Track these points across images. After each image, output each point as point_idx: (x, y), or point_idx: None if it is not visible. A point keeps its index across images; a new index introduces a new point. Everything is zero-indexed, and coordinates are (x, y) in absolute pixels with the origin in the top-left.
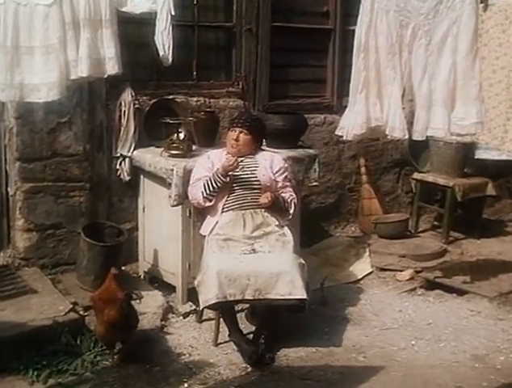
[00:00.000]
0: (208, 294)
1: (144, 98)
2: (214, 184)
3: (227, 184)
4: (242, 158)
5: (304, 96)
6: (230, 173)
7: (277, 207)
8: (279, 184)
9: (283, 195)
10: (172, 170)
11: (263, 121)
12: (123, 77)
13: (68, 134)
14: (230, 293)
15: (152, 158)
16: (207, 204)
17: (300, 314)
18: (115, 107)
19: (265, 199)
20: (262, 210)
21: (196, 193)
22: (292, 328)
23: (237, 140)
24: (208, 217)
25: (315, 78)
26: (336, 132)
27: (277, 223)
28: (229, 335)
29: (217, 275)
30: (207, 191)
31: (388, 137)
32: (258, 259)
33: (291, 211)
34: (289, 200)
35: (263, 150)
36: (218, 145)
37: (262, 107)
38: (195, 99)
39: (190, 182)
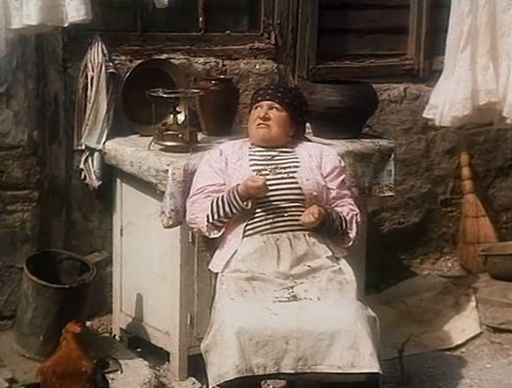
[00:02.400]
0: (224, 365)
1: (123, 58)
2: (227, 209)
3: (248, 211)
4: (273, 153)
5: (373, 55)
6: (256, 195)
7: (329, 228)
8: (333, 194)
9: (338, 210)
10: (166, 171)
11: (303, 95)
12: (91, 25)
13: (4, 114)
14: (258, 363)
15: (135, 152)
16: (213, 235)
17: None
18: (77, 73)
19: (310, 216)
20: (307, 234)
21: (197, 215)
22: None
23: (265, 117)
24: (222, 244)
25: (390, 25)
26: (424, 114)
27: (329, 254)
28: None
29: (238, 335)
30: (215, 217)
31: (508, 120)
32: (301, 310)
33: (352, 235)
34: (348, 218)
35: (306, 141)
36: (236, 132)
37: (306, 72)
38: (202, 59)
39: (191, 191)
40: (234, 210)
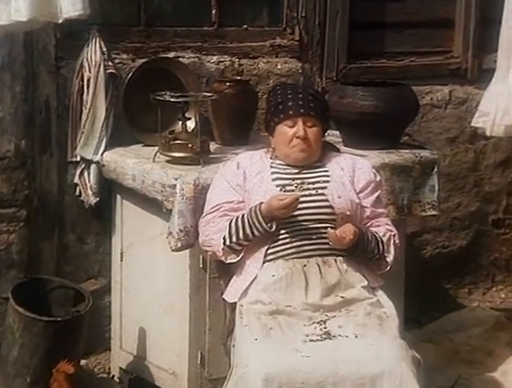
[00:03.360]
0: None
1: (125, 56)
2: (248, 230)
3: (272, 233)
4: (301, 168)
5: (413, 52)
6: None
7: (363, 251)
8: (367, 212)
9: (373, 230)
10: (174, 186)
11: (321, 93)
12: (88, 18)
13: None
14: None
15: (137, 165)
16: (230, 260)
17: None
18: (71, 74)
19: (342, 237)
20: (338, 259)
21: (212, 236)
22: None
23: (305, 137)
24: (239, 269)
25: (433, 18)
26: (473, 123)
27: (365, 283)
28: None
29: (265, 384)
30: (233, 239)
31: None
32: (336, 350)
33: (390, 259)
34: (385, 240)
35: (336, 151)
36: (255, 142)
37: (335, 73)
38: (215, 58)
39: (205, 210)
40: (256, 232)
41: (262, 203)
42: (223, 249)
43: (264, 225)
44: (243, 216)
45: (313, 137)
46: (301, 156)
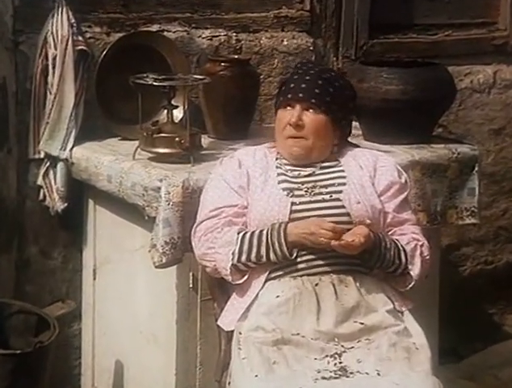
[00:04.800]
0: None
1: (98, 30)
2: (263, 251)
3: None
4: (312, 168)
5: (449, 25)
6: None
7: (380, 260)
8: (389, 217)
9: (395, 239)
10: (158, 189)
11: (351, 84)
12: None
13: None
14: None
15: (114, 163)
16: (236, 280)
17: None
18: (33, 51)
19: (353, 238)
20: (357, 277)
21: (218, 249)
22: None
23: (298, 125)
24: (237, 290)
25: None
26: None
27: (389, 306)
28: None
29: None
30: (243, 259)
31: None
32: None
33: (415, 272)
34: (409, 249)
35: (355, 147)
36: (256, 135)
37: (354, 50)
38: (208, 32)
39: (200, 215)
40: (272, 256)
41: (288, 222)
42: (231, 267)
43: (285, 249)
44: (261, 232)
45: (313, 126)
46: (294, 151)
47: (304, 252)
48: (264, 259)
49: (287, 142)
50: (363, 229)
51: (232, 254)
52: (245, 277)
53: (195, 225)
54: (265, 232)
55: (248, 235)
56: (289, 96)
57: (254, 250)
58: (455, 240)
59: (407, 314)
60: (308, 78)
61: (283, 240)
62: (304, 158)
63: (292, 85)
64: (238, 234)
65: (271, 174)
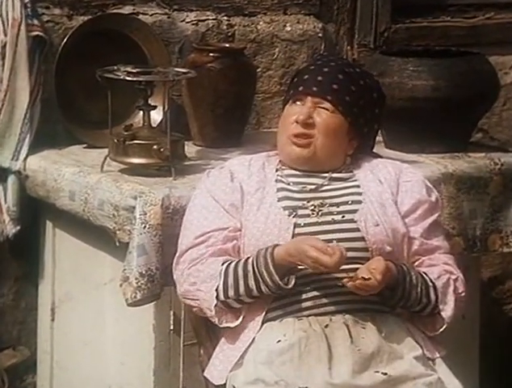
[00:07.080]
0: None
1: (57, 12)
2: (253, 283)
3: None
4: (317, 179)
5: (490, 5)
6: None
7: (404, 300)
8: (416, 244)
9: (423, 271)
10: (133, 209)
11: (378, 82)
12: None
13: None
14: None
15: (78, 176)
16: (226, 323)
17: None
18: None
19: (367, 273)
20: (377, 317)
21: (200, 286)
22: None
23: (306, 122)
24: (229, 333)
25: None
26: None
27: (418, 351)
28: None
29: None
30: (231, 294)
31: None
32: None
33: (448, 313)
34: (440, 285)
35: (374, 156)
36: (252, 142)
37: (372, 38)
38: (193, 15)
39: (182, 242)
40: (263, 288)
41: (276, 245)
42: (216, 306)
43: (276, 278)
44: (246, 260)
45: (324, 126)
46: (296, 152)
47: (309, 287)
48: (255, 292)
49: (289, 141)
50: (380, 262)
51: (216, 290)
52: (239, 320)
53: (177, 255)
54: (250, 260)
55: (232, 265)
56: (300, 89)
57: (241, 283)
58: (499, 272)
59: (440, 363)
60: (326, 69)
61: (271, 268)
62: (307, 161)
63: (306, 76)
64: (223, 264)
65: (270, 189)
